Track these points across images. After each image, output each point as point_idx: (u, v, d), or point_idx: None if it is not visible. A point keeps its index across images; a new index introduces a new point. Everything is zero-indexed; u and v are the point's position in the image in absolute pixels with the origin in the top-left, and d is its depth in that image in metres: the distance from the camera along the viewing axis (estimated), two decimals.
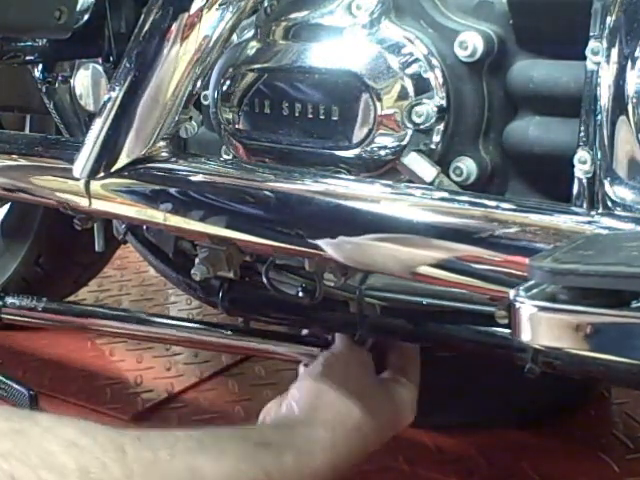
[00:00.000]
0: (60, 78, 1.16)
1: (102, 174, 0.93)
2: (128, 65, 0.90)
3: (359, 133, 0.85)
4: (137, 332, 1.22)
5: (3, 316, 1.30)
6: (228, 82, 0.93)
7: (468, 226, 0.72)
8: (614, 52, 0.68)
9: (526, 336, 0.57)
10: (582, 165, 0.71)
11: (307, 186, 0.82)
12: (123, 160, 0.92)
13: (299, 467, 0.81)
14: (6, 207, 1.67)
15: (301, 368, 0.98)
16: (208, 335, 1.14)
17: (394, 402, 0.94)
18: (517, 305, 0.57)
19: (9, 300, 1.29)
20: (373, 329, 0.94)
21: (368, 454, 0.92)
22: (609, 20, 0.69)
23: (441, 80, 0.82)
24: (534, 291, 0.57)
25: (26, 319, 1.30)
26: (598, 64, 0.69)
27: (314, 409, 0.88)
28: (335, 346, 0.97)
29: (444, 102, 0.82)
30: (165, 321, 1.21)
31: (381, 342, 1.00)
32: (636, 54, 0.67)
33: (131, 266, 2.04)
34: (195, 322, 1.24)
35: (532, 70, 0.79)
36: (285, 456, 0.80)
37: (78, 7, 1.03)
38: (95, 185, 0.94)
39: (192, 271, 0.95)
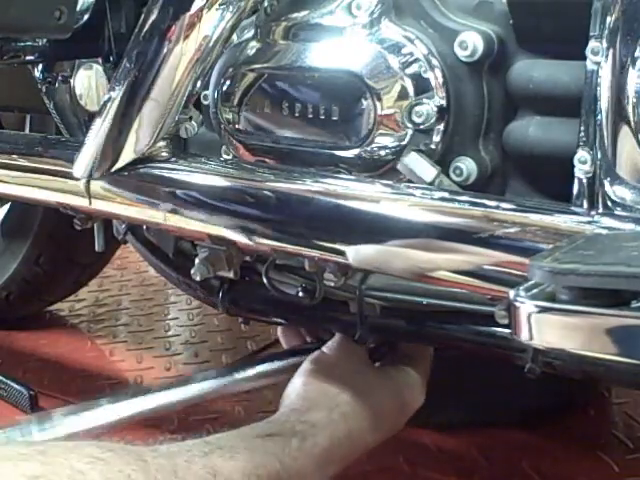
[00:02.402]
0: (60, 78, 1.16)
1: (102, 174, 0.93)
2: (128, 65, 0.90)
3: (359, 133, 0.85)
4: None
5: None
6: (228, 82, 0.93)
7: (468, 226, 0.72)
8: (614, 52, 0.68)
9: (526, 336, 0.57)
10: (582, 165, 0.71)
11: (307, 186, 0.82)
12: (123, 160, 0.92)
13: (306, 449, 0.84)
14: (6, 207, 1.68)
15: None
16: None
17: (396, 385, 0.95)
18: (517, 305, 0.57)
19: None
20: (373, 329, 0.94)
21: (376, 441, 0.93)
22: (609, 20, 0.69)
23: (441, 80, 0.82)
24: (534, 291, 0.57)
25: None
26: (598, 64, 0.69)
27: (303, 398, 0.91)
28: (326, 345, 0.99)
29: (444, 102, 0.82)
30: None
31: None
32: (636, 54, 0.67)
33: (131, 266, 2.04)
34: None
35: (532, 70, 0.79)
36: (291, 442, 0.83)
37: (78, 7, 1.03)
38: (95, 185, 0.94)
39: (192, 271, 0.95)
